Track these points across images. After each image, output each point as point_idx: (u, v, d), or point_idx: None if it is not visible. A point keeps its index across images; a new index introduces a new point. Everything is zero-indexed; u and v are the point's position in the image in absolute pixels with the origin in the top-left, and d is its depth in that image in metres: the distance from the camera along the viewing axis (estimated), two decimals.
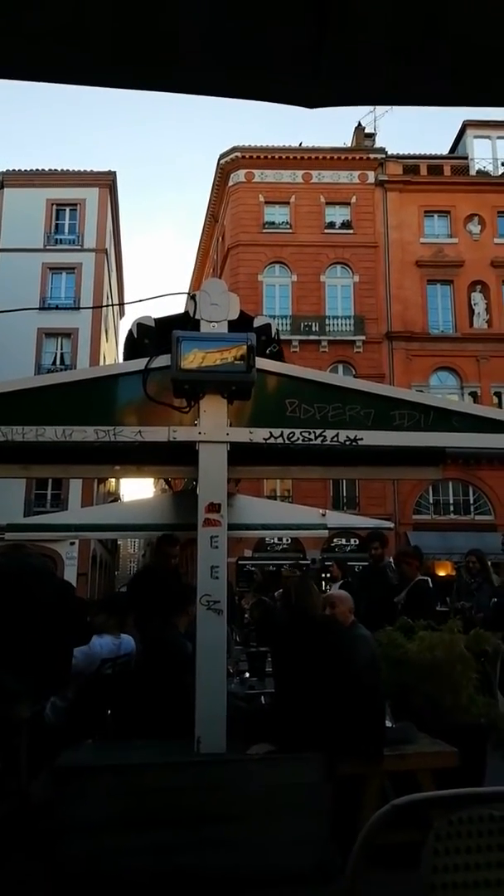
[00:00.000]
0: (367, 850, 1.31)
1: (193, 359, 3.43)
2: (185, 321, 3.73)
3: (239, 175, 25.92)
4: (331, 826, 3.06)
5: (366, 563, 7.90)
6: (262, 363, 3.66)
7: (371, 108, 27.28)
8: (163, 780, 3.06)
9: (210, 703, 3.20)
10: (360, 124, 28.52)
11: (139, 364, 3.69)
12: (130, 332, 3.97)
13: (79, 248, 24.90)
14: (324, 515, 8.14)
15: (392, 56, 1.45)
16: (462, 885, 1.24)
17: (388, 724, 3.47)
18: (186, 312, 3.79)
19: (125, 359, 4.17)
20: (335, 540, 22.22)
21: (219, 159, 26.41)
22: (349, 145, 27.87)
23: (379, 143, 27.57)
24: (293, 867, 2.98)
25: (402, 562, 6.05)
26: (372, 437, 3.69)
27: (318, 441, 3.65)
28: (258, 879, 2.93)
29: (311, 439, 3.65)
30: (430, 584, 5.96)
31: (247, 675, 4.70)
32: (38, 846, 3.03)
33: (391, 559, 6.72)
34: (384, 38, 1.40)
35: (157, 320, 3.94)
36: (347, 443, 3.66)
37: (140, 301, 5.96)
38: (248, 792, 3.06)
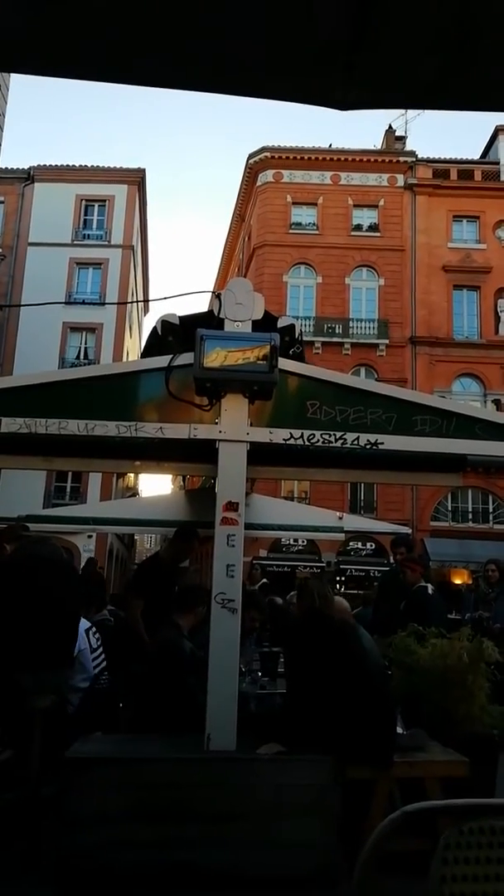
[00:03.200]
0: (376, 856, 1.30)
1: (216, 357, 3.44)
2: (210, 320, 3.75)
3: (267, 175, 25.91)
4: (337, 830, 3.05)
5: (385, 569, 7.84)
6: (284, 364, 3.66)
7: (402, 111, 27.14)
8: (171, 775, 3.07)
9: (221, 701, 3.20)
10: (390, 127, 28.38)
11: (162, 361, 3.71)
12: (155, 328, 4.00)
13: (106, 243, 25.08)
14: (341, 518, 8.12)
15: (428, 58, 1.44)
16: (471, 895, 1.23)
17: (400, 730, 3.44)
18: (211, 311, 3.80)
19: (147, 355, 4.20)
20: (351, 544, 22.13)
21: (248, 159, 26.43)
22: (379, 148, 27.72)
23: (409, 147, 27.42)
24: (298, 869, 2.98)
25: (405, 568, 6.00)
26: (393, 442, 3.68)
27: (339, 444, 3.64)
28: (262, 880, 2.93)
29: (331, 442, 3.64)
30: (431, 591, 5.88)
31: (259, 674, 4.70)
32: (45, 835, 3.07)
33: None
34: (420, 40, 1.39)
35: (182, 318, 3.96)
36: (368, 446, 3.64)
37: (165, 298, 6.04)
38: (256, 791, 3.06)
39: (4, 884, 2.93)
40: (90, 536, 19.89)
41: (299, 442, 3.63)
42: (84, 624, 4.22)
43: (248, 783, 3.07)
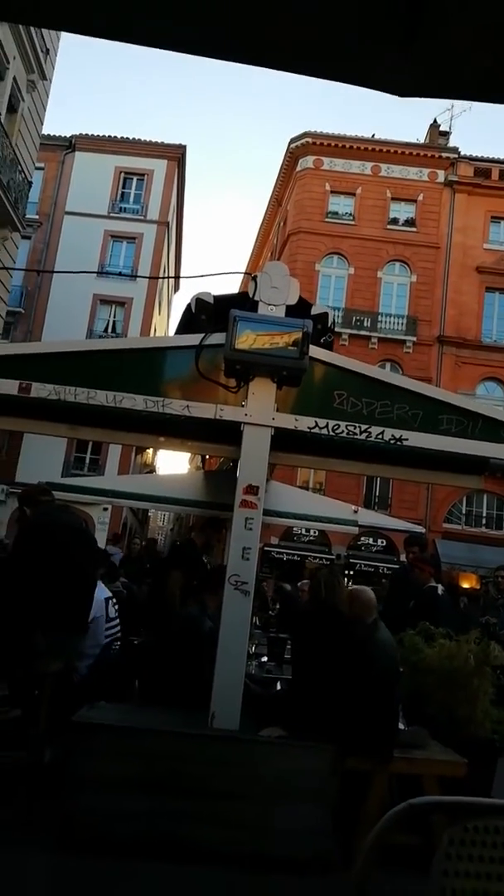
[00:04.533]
0: (379, 847, 1.31)
1: (247, 339, 3.43)
2: (244, 301, 3.73)
3: (307, 161, 25.63)
4: (333, 818, 3.07)
5: (395, 566, 7.81)
6: (314, 352, 3.65)
7: (448, 105, 26.66)
8: (173, 747, 3.11)
9: (228, 681, 3.24)
10: (435, 121, 27.86)
11: (194, 339, 3.71)
12: (188, 306, 3.99)
13: (142, 218, 25.01)
14: (356, 512, 8.10)
15: (487, 50, 1.40)
16: (472, 893, 1.23)
17: (401, 726, 3.45)
18: (245, 292, 3.79)
19: (179, 332, 4.19)
20: (362, 538, 22.08)
21: (289, 143, 26.14)
22: (422, 142, 27.25)
23: (452, 143, 26.92)
24: (292, 853, 3.01)
25: (415, 567, 5.97)
26: (417, 439, 3.65)
27: (363, 437, 3.63)
28: (257, 860, 2.96)
29: (355, 434, 3.63)
30: (441, 592, 5.86)
31: (264, 658, 4.73)
32: (48, 796, 3.13)
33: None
34: (481, 31, 1.35)
35: (216, 297, 3.95)
36: (392, 441, 3.62)
37: (197, 276, 5.97)
38: (256, 772, 3.09)
39: (5, 842, 2.99)
40: (105, 509, 20.04)
41: (324, 431, 3.62)
42: (105, 593, 4.32)
43: (249, 764, 3.10)
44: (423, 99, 1.92)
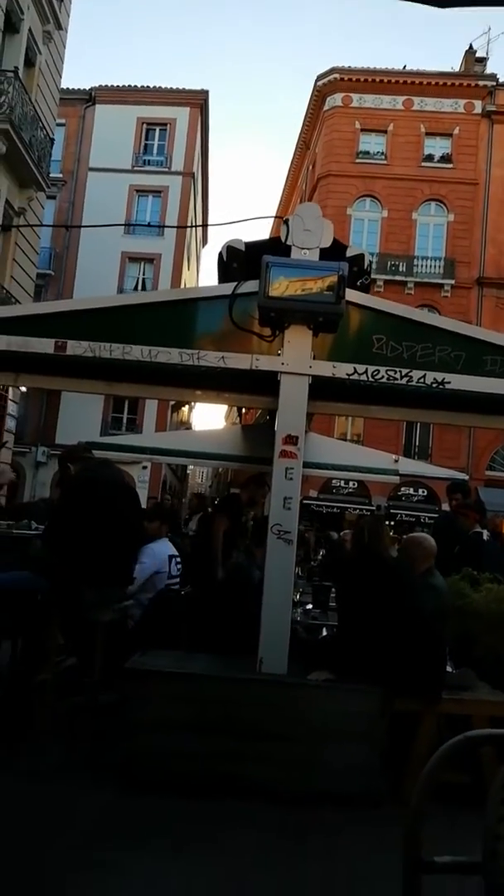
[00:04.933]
0: (434, 779, 1.32)
1: (281, 286, 3.34)
2: (276, 246, 3.63)
3: (336, 99, 24.56)
4: (382, 757, 3.13)
5: (436, 515, 7.73)
6: (351, 295, 3.54)
7: (486, 28, 25.04)
8: (223, 691, 3.20)
9: (274, 627, 3.29)
10: (471, 47, 26.25)
11: (226, 289, 3.64)
12: (220, 254, 3.91)
13: (166, 170, 24.52)
14: (397, 462, 8.01)
15: None
16: None
17: (449, 669, 3.47)
18: (277, 237, 3.68)
19: (220, 282, 4.11)
20: (403, 489, 21.97)
21: (315, 81, 25.03)
22: (457, 71, 25.76)
23: (490, 70, 25.40)
24: (341, 790, 3.09)
25: (459, 514, 5.90)
26: (460, 382, 3.55)
27: (404, 381, 3.54)
28: (308, 796, 3.06)
29: (396, 379, 3.54)
30: (486, 537, 5.78)
31: (309, 606, 4.79)
32: (108, 738, 3.26)
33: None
34: None
35: (247, 244, 3.85)
36: (434, 385, 3.53)
37: (225, 224, 5.85)
38: (304, 714, 3.16)
39: (71, 781, 3.15)
40: (145, 467, 20.35)
41: (363, 378, 3.54)
42: (170, 550, 4.45)
43: (297, 706, 3.17)
44: (463, 9, 1.80)
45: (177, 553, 4.63)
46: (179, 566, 4.62)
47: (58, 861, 2.46)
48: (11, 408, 15.04)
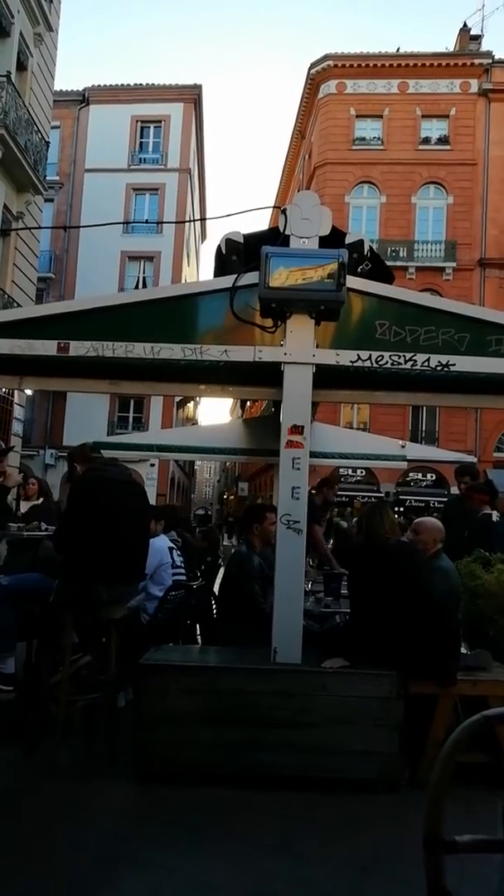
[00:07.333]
0: (453, 759, 1.32)
1: (281, 276, 3.33)
2: (275, 237, 3.61)
3: (330, 86, 24.38)
4: (400, 741, 3.14)
5: (445, 499, 7.70)
6: (352, 282, 3.52)
7: (480, 5, 24.72)
8: (239, 682, 3.21)
9: (287, 616, 3.30)
10: (465, 25, 26.01)
11: (227, 281, 3.63)
12: (219, 247, 3.90)
13: (162, 167, 24.47)
14: (404, 447, 8.00)
15: None
16: None
17: (464, 651, 3.47)
18: (276, 228, 3.67)
19: (216, 276, 4.11)
20: (411, 474, 21.92)
21: (309, 69, 24.85)
22: (452, 51, 25.49)
23: (486, 47, 25.10)
24: (360, 775, 3.11)
25: (469, 496, 5.87)
26: (465, 363, 3.53)
27: (408, 366, 3.52)
28: (327, 782, 3.08)
29: (400, 364, 3.52)
30: (496, 518, 5.74)
31: (321, 595, 4.80)
32: (125, 733, 3.28)
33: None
34: None
35: (246, 236, 3.84)
36: (439, 368, 3.51)
37: (222, 217, 5.82)
38: (320, 701, 3.17)
39: (89, 778, 3.18)
40: (153, 465, 20.42)
41: (367, 364, 3.53)
42: (167, 542, 4.67)
43: (313, 694, 3.18)
44: None
45: (173, 545, 4.84)
46: (180, 556, 4.81)
47: (79, 856, 2.49)
48: (18, 411, 15.09)
